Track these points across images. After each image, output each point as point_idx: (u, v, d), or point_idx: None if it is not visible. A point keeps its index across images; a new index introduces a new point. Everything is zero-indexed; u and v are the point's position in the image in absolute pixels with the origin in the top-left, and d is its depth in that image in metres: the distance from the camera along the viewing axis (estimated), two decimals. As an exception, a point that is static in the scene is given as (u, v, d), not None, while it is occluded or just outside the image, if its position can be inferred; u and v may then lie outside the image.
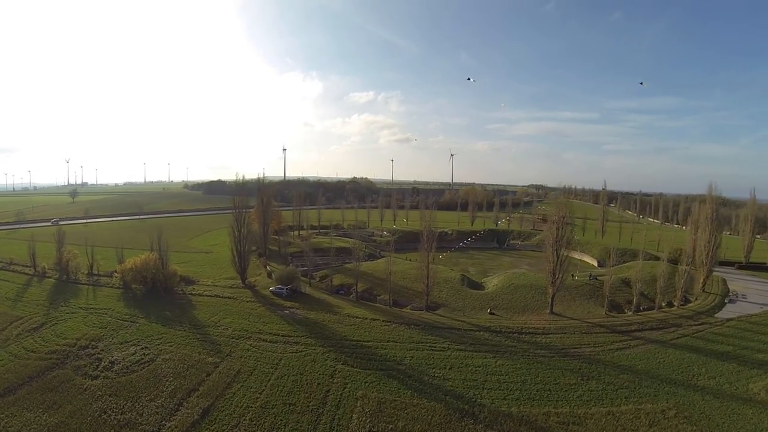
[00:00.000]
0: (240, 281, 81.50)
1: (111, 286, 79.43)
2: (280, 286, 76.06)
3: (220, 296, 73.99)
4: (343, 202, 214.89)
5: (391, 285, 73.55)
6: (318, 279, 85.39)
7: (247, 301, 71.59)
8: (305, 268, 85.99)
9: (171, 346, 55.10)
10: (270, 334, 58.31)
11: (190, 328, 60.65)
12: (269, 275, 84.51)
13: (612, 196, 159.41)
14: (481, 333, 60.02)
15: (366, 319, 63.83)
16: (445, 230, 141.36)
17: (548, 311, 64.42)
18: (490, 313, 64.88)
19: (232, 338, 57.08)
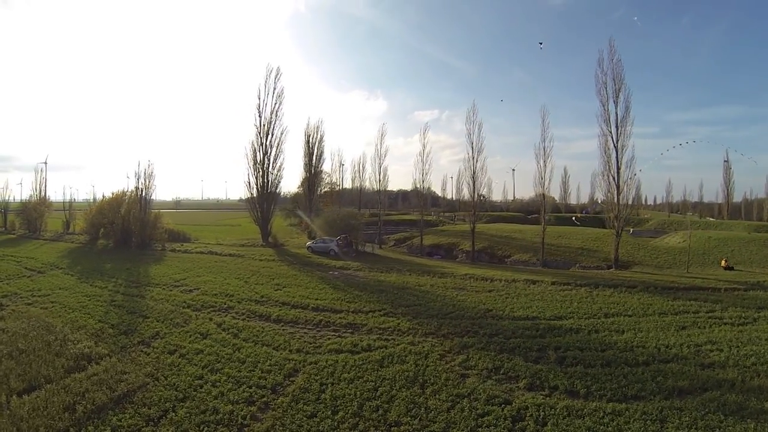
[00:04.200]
0: (260, 239, 46.84)
1: (72, 242, 50.40)
2: (326, 238, 40.32)
3: (217, 253, 39.92)
4: (408, 205, 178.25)
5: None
6: (393, 243, 48.99)
7: (261, 260, 36.49)
8: (371, 232, 50.09)
9: (47, 308, 22.17)
10: (283, 304, 22.29)
11: (121, 285, 27.20)
12: (310, 235, 48.90)
13: (694, 206, 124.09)
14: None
15: (516, 281, 27.23)
16: (536, 214, 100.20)
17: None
18: (727, 268, 33.54)
19: (188, 307, 21.33)
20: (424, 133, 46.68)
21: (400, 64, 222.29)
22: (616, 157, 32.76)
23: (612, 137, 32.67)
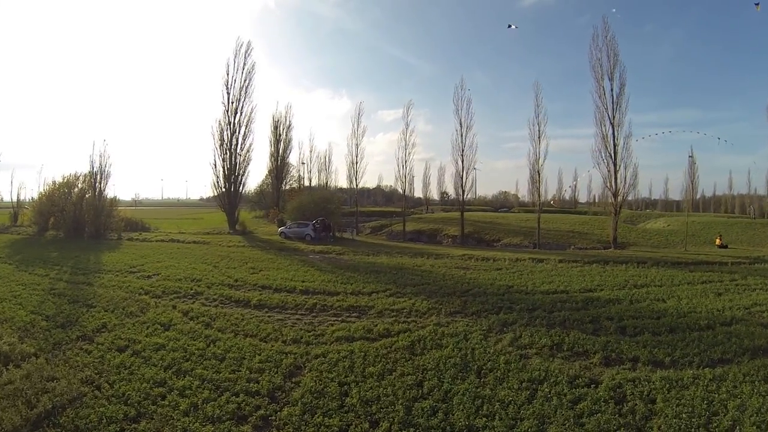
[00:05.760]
0: (227, 227, 41.95)
1: (18, 234, 43.39)
2: (302, 221, 36.06)
3: (179, 241, 35.07)
4: (372, 202, 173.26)
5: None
6: (369, 230, 45.33)
7: (230, 246, 32.06)
8: (345, 221, 46.15)
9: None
10: (263, 288, 18.03)
11: (66, 272, 21.79)
12: (281, 223, 44.31)
13: (653, 202, 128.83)
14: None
15: (520, 260, 24.34)
16: (505, 208, 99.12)
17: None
18: (722, 246, 32.46)
19: (145, 294, 16.69)
20: (407, 109, 42.75)
21: (365, 64, 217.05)
22: (613, 134, 30.47)
23: (608, 113, 30.31)
